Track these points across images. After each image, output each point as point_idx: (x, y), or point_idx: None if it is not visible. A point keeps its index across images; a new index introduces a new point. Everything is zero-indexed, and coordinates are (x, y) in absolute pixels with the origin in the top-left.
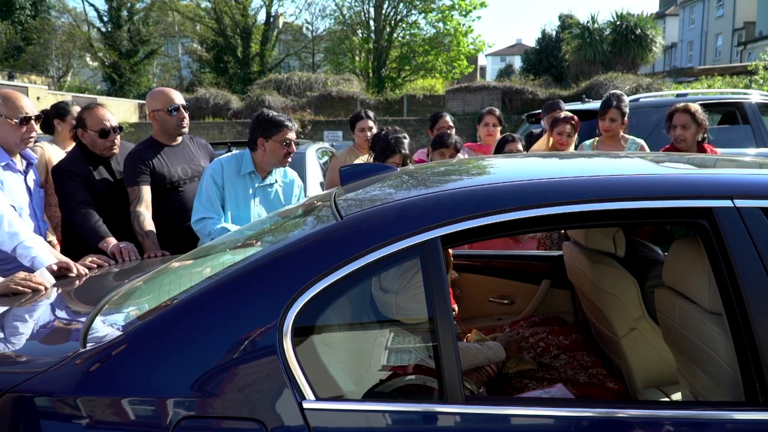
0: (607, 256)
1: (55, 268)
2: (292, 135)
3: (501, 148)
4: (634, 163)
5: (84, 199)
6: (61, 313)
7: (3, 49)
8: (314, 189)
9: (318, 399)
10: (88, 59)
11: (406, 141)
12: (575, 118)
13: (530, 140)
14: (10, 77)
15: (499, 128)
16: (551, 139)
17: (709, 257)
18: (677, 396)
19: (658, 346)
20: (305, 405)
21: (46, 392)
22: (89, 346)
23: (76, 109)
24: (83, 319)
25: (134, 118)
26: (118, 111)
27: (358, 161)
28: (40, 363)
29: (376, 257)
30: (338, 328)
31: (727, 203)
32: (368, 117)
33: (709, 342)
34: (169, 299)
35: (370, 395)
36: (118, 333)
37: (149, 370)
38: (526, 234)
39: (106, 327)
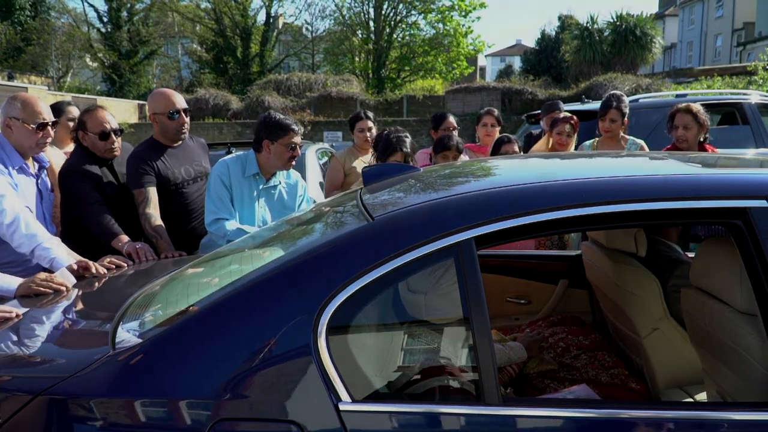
0: (628, 255)
1: (75, 267)
2: (297, 139)
3: (497, 150)
4: (667, 164)
5: (96, 199)
6: (86, 315)
7: (3, 49)
8: (314, 189)
9: (354, 401)
10: (87, 60)
11: (408, 140)
12: (574, 117)
13: (529, 141)
14: (10, 78)
15: (497, 128)
16: (551, 140)
17: (743, 257)
18: (701, 396)
19: (681, 346)
20: (341, 407)
21: (79, 394)
22: (119, 348)
23: (72, 110)
24: (109, 321)
25: (134, 118)
26: (118, 111)
27: (357, 162)
28: (70, 366)
29: (411, 258)
30: (373, 328)
31: (763, 203)
32: (368, 117)
33: (742, 343)
34: (200, 300)
35: (406, 397)
36: (149, 335)
37: (184, 371)
38: (560, 234)
39: (135, 329)
